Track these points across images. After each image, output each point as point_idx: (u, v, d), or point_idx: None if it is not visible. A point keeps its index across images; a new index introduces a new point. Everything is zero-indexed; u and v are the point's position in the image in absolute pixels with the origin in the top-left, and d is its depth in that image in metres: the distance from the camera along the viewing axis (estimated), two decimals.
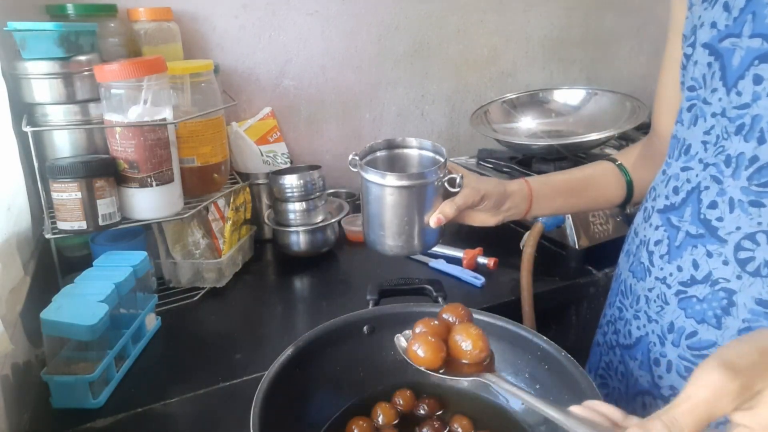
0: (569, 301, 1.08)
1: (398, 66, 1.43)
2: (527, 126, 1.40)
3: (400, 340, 0.60)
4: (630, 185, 0.82)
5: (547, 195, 0.79)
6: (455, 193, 0.71)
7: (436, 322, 0.60)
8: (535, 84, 1.60)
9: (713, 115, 0.61)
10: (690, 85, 0.64)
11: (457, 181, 0.70)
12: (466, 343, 0.56)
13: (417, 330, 0.59)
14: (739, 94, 0.57)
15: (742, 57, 0.56)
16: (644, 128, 1.52)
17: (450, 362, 0.57)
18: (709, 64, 0.60)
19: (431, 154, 0.75)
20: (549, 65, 1.64)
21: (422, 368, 0.57)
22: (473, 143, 1.55)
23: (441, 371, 0.57)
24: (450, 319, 0.61)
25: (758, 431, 0.38)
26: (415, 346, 0.57)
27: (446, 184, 0.71)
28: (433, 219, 0.71)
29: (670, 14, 0.72)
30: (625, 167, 0.82)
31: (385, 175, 0.69)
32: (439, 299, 0.77)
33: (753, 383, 0.38)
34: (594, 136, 1.17)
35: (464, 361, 0.57)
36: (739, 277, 0.58)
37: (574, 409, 0.47)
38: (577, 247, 1.05)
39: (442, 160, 0.72)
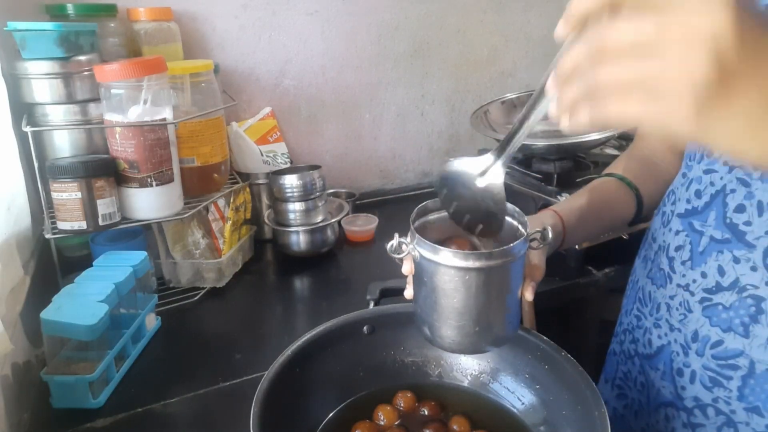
0: (569, 301, 1.08)
1: (398, 66, 1.43)
2: None
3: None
4: (639, 198, 0.77)
5: (576, 224, 0.73)
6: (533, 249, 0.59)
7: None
8: (535, 84, 1.59)
9: None
10: None
11: (548, 234, 0.58)
12: None
13: None
14: None
15: None
16: None
17: None
18: None
19: (507, 218, 0.59)
20: (549, 65, 1.64)
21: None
22: (473, 143, 1.55)
23: None
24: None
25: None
26: None
27: (532, 245, 0.57)
28: (529, 291, 0.59)
29: None
30: (628, 180, 0.78)
31: (468, 256, 0.52)
32: None
33: None
34: (594, 136, 1.17)
35: None
36: None
37: None
38: (577, 247, 1.05)
39: (524, 230, 0.56)
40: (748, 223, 0.58)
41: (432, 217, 0.61)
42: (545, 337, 0.64)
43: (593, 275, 1.06)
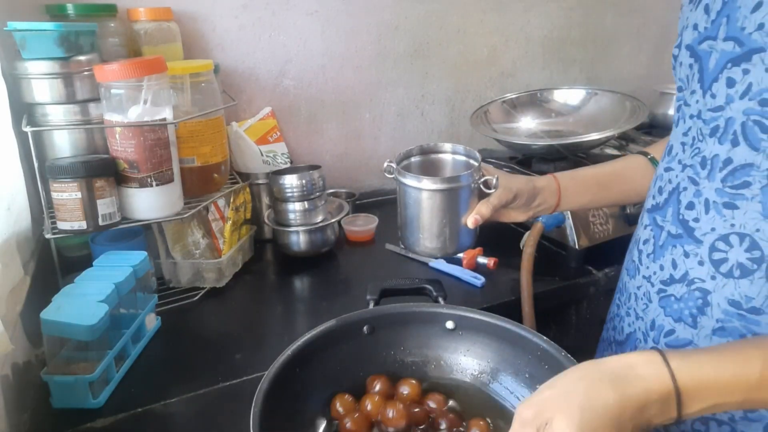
0: (569, 301, 1.08)
1: (398, 66, 1.43)
2: (527, 126, 1.40)
3: None
4: None
5: (576, 190, 0.81)
6: (490, 194, 0.74)
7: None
8: (535, 84, 1.60)
9: (691, 116, 0.61)
10: (678, 85, 0.65)
11: (493, 182, 0.73)
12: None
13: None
14: (713, 96, 0.58)
15: (717, 59, 0.57)
16: (644, 128, 1.52)
17: None
18: (690, 66, 0.61)
19: (464, 158, 0.79)
20: (549, 65, 1.64)
21: None
22: (473, 143, 1.54)
23: None
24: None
25: None
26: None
27: (481, 186, 0.74)
28: (470, 219, 0.73)
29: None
30: (656, 160, 0.81)
31: (422, 179, 0.72)
32: (439, 299, 0.77)
33: (543, 412, 0.47)
34: (594, 136, 1.17)
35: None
36: (713, 278, 0.59)
37: None
38: (577, 247, 1.05)
39: (476, 163, 0.75)
40: (696, 220, 0.60)
41: (413, 159, 0.80)
42: (545, 337, 0.64)
43: (593, 275, 1.06)
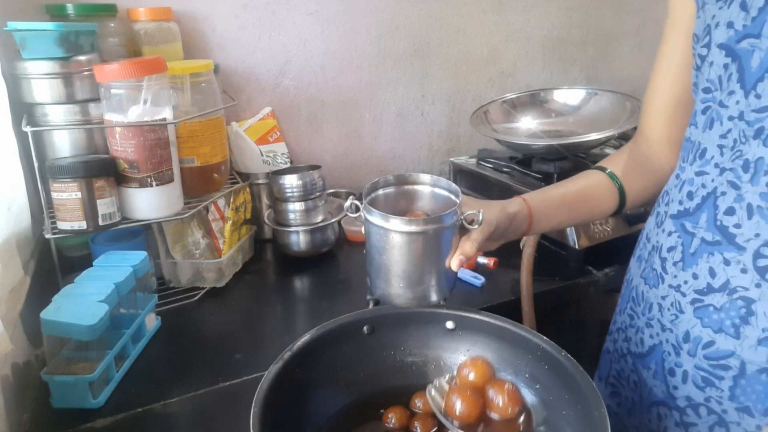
0: (569, 301, 1.08)
1: (398, 66, 1.43)
2: (527, 126, 1.40)
3: (431, 392, 0.60)
4: (622, 193, 0.79)
5: (546, 212, 0.78)
6: (471, 230, 0.67)
7: (457, 381, 0.61)
8: (535, 84, 1.60)
9: (730, 118, 0.58)
10: (705, 87, 0.62)
11: (479, 218, 0.65)
12: (499, 399, 0.58)
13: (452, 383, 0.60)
14: (758, 96, 0.55)
15: (761, 58, 0.54)
16: None
17: (485, 420, 0.58)
18: (726, 66, 0.58)
19: (445, 193, 0.70)
20: (549, 65, 1.64)
21: (456, 425, 0.57)
22: (473, 143, 1.55)
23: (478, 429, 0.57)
24: (470, 376, 0.61)
25: None
26: (453, 399, 0.58)
27: (464, 222, 0.66)
28: (455, 262, 0.66)
29: (669, 13, 0.70)
30: (615, 175, 0.80)
31: (399, 220, 0.63)
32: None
33: None
34: (594, 136, 1.17)
35: (495, 416, 0.58)
36: (758, 286, 0.56)
37: None
38: (577, 247, 1.05)
39: (458, 200, 0.67)
40: (738, 226, 0.58)
41: (382, 192, 0.71)
42: (545, 337, 0.64)
43: (593, 275, 1.06)
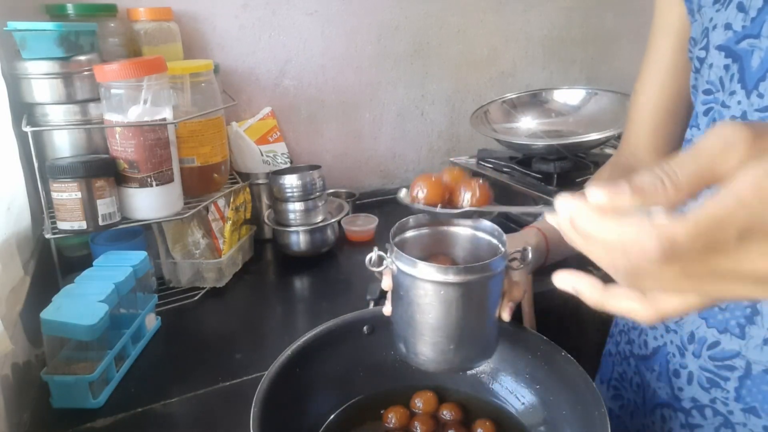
0: (569, 301, 1.08)
1: (398, 66, 1.43)
2: (527, 126, 1.40)
3: (401, 192, 0.55)
4: None
5: (559, 242, 0.73)
6: (516, 270, 0.59)
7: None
8: (535, 84, 1.60)
9: (733, 118, 0.58)
10: (705, 88, 0.62)
11: (528, 255, 0.57)
12: (468, 192, 0.53)
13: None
14: (760, 96, 0.55)
15: (761, 58, 0.55)
16: None
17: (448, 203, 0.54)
18: (726, 67, 0.58)
19: (487, 237, 0.59)
20: (549, 65, 1.64)
21: (420, 205, 0.53)
22: (473, 143, 1.55)
23: (438, 206, 0.52)
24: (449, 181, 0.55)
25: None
26: (417, 186, 0.53)
27: (511, 264, 0.57)
28: (506, 311, 0.59)
29: (655, 20, 0.69)
30: None
31: (441, 269, 0.51)
32: None
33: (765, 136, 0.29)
34: (594, 136, 1.17)
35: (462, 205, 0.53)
36: None
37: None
38: None
39: (503, 248, 0.56)
40: None
41: (411, 233, 0.60)
42: (545, 337, 0.64)
43: (593, 275, 1.06)
